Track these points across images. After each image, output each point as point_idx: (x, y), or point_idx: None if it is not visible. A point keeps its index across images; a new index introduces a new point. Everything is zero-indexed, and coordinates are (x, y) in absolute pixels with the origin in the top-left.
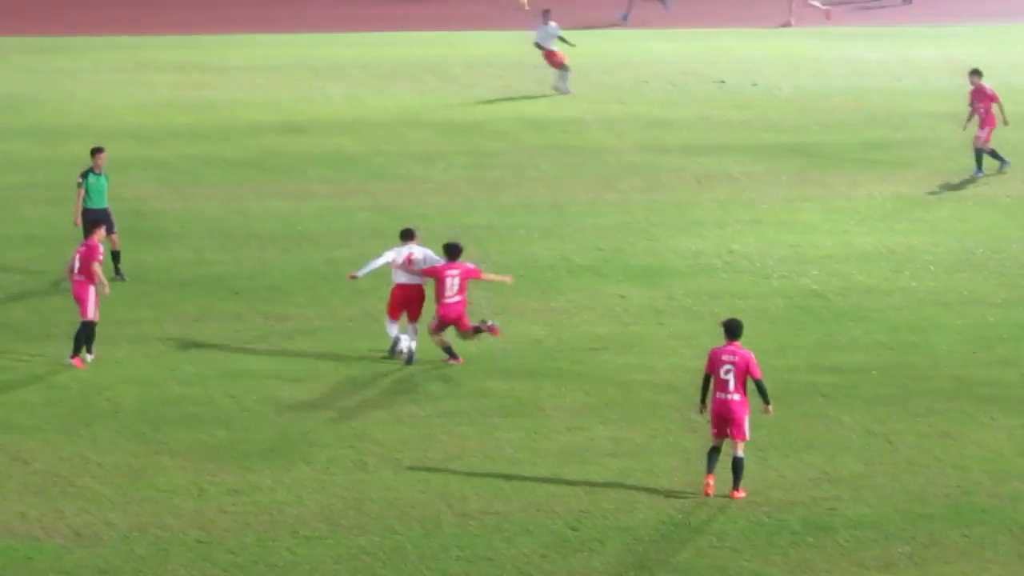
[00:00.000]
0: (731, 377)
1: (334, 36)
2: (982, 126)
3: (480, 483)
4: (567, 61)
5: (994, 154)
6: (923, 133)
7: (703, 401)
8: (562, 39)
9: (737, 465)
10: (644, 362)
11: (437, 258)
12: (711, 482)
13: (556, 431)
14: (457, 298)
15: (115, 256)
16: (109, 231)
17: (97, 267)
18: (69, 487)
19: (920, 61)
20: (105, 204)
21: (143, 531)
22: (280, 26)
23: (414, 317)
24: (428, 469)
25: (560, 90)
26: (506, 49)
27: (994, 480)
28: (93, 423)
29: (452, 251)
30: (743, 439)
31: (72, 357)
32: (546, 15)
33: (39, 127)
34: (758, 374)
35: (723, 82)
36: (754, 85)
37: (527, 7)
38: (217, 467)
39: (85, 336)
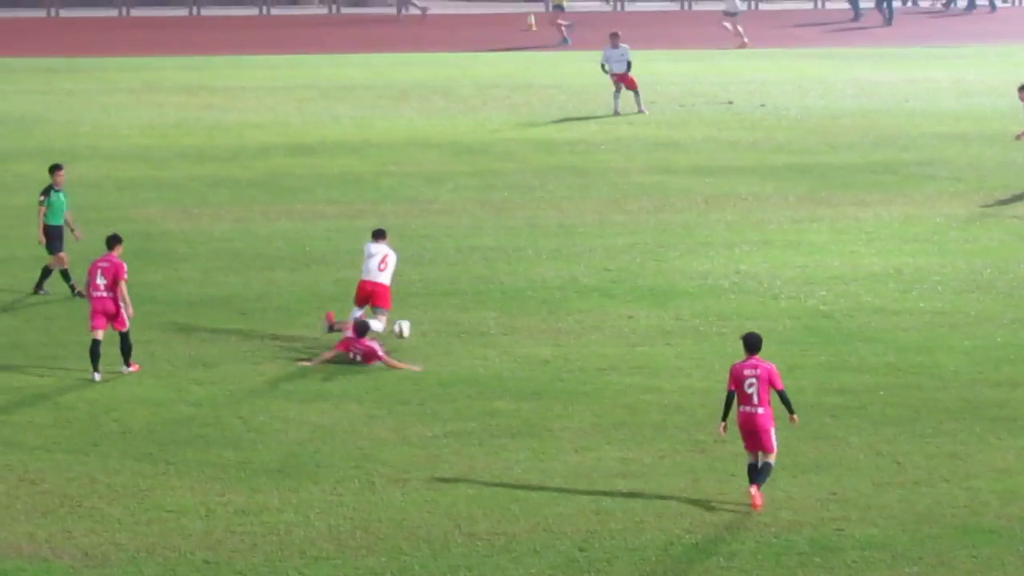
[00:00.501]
0: (754, 391)
1: (342, 57)
2: None
3: (488, 503)
4: (636, 84)
5: None
6: (931, 154)
7: (724, 418)
8: (629, 64)
9: (764, 468)
10: (652, 383)
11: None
12: (754, 492)
13: (564, 451)
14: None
15: (65, 274)
16: (61, 249)
17: (124, 285)
18: (77, 508)
19: (928, 82)
20: (61, 221)
21: (151, 552)
22: (288, 47)
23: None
24: (436, 489)
25: (639, 111)
26: (514, 70)
27: (1002, 501)
28: (101, 443)
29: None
30: (772, 451)
31: (128, 365)
32: (615, 38)
33: (48, 148)
34: (780, 385)
35: (731, 103)
36: (762, 106)
37: (535, 27)
38: (225, 487)
39: (128, 346)
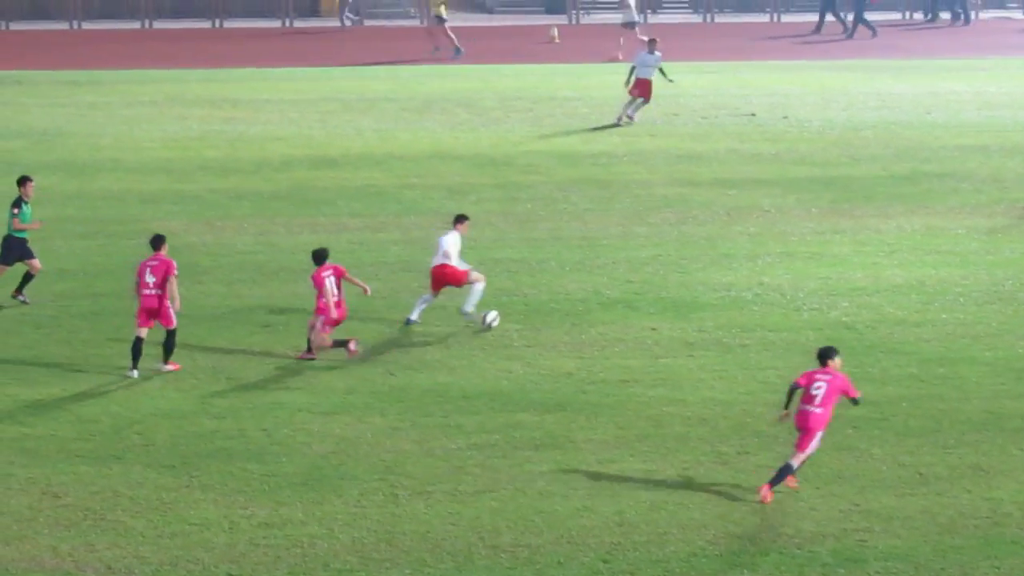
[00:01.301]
0: (821, 393)
1: (365, 70)
2: None
3: (511, 516)
4: (651, 96)
5: None
6: (952, 166)
7: (787, 407)
8: (661, 71)
9: (783, 469)
10: (675, 395)
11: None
12: (768, 494)
13: (587, 464)
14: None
15: (28, 278)
16: (31, 256)
17: (175, 281)
18: (100, 521)
19: (949, 95)
20: (26, 233)
21: (175, 565)
22: (311, 60)
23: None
24: (460, 502)
25: (628, 117)
26: (537, 82)
27: (1014, 511)
28: (124, 456)
29: (319, 256)
30: (803, 451)
31: (166, 363)
32: (652, 44)
33: (70, 161)
34: (855, 393)
35: (754, 115)
36: (784, 118)
37: (558, 40)
38: (249, 500)
39: (172, 344)
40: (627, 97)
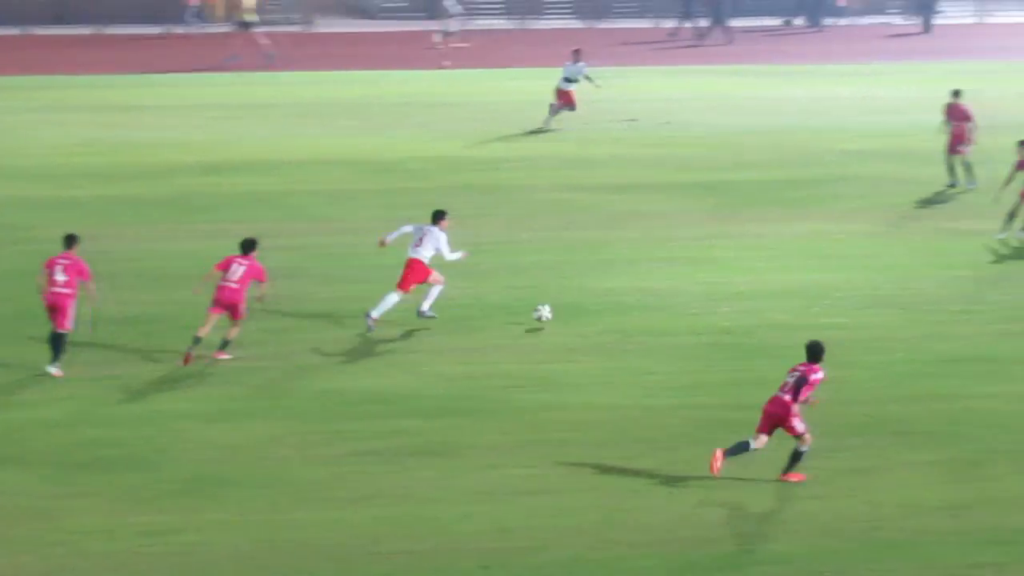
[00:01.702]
0: (792, 381)
1: (249, 75)
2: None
3: (393, 522)
4: (575, 103)
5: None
6: (835, 171)
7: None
8: (587, 78)
9: (795, 455)
10: (557, 400)
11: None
12: (718, 461)
13: (469, 470)
14: (236, 285)
15: None
16: None
17: (91, 285)
18: None
19: (831, 100)
20: None
21: (55, 574)
22: (193, 66)
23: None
24: (341, 509)
25: (546, 124)
26: (422, 89)
27: (904, 515)
28: (3, 465)
29: (247, 246)
30: (796, 433)
31: (54, 365)
32: (577, 54)
33: None
34: (813, 389)
35: (636, 120)
36: (667, 123)
37: (443, 47)
38: (129, 509)
39: (61, 347)
40: (554, 103)
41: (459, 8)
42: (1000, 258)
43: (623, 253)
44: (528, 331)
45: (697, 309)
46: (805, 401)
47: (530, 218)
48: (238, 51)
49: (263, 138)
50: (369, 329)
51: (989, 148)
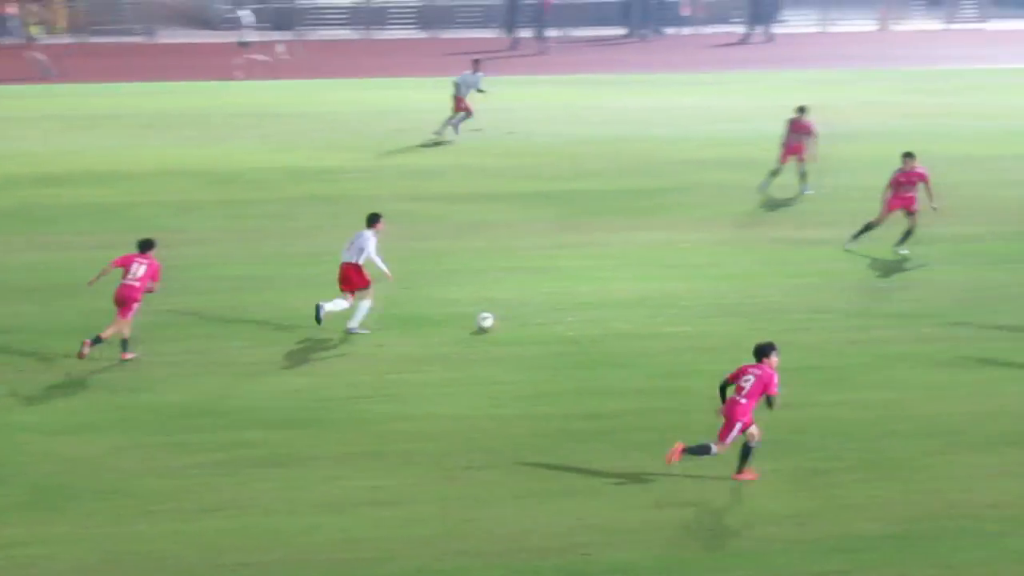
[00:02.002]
0: (748, 386)
1: (88, 87)
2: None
3: (237, 534)
4: (472, 109)
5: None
6: (677, 180)
7: (723, 401)
8: (480, 90)
9: (744, 452)
10: (401, 411)
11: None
12: (676, 454)
13: (313, 481)
14: (136, 283)
15: None
16: None
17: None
18: None
19: (673, 109)
20: None
21: None
22: (31, 76)
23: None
24: (185, 521)
25: (440, 134)
26: (265, 99)
27: (748, 523)
28: None
29: (145, 245)
30: (723, 441)
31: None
32: (476, 64)
33: None
34: (774, 391)
35: (480, 130)
36: (510, 134)
37: (285, 56)
38: None
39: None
40: (448, 112)
41: (252, 20)
42: (844, 266)
43: (468, 263)
44: (372, 343)
45: (542, 319)
46: (772, 403)
47: None
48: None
49: (105, 149)
50: (319, 321)
51: (832, 157)
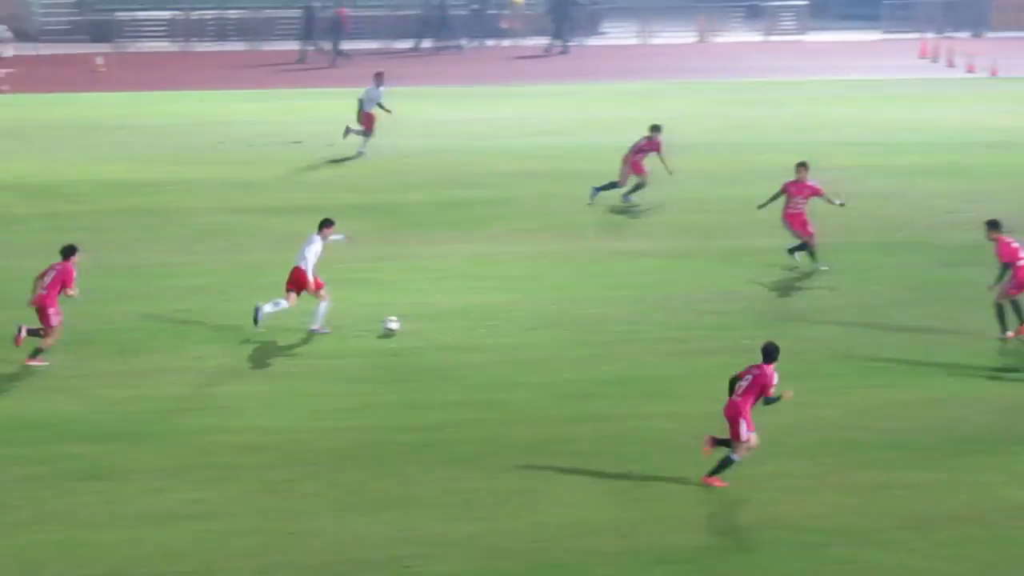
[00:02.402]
0: (745, 384)
1: None
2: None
3: (57, 548)
4: (374, 127)
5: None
6: (498, 193)
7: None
8: (380, 105)
9: (722, 462)
10: (223, 423)
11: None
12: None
13: (135, 494)
14: (45, 292)
15: None
16: None
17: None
18: None
19: (494, 121)
20: None
21: None
22: None
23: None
24: (3, 534)
25: (360, 152)
26: (83, 111)
27: (570, 535)
28: None
29: (66, 252)
30: (736, 440)
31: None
32: (378, 77)
33: None
34: (769, 392)
35: (300, 142)
36: (330, 146)
37: (103, 68)
38: None
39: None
40: (358, 127)
41: (9, 35)
42: (665, 279)
43: (288, 275)
44: (193, 355)
45: (362, 331)
46: (774, 399)
47: (195, 241)
48: None
49: None
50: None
51: (652, 169)
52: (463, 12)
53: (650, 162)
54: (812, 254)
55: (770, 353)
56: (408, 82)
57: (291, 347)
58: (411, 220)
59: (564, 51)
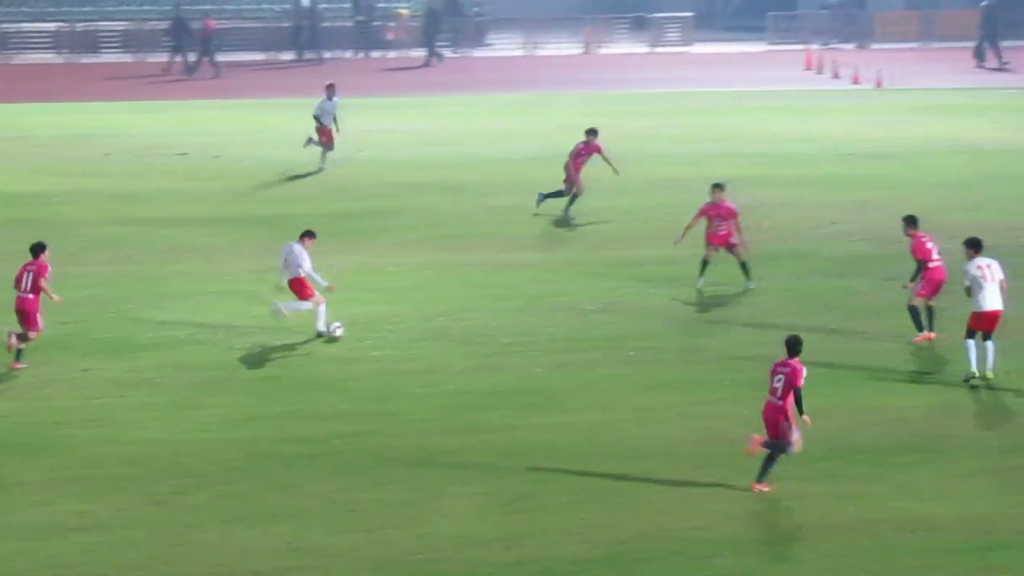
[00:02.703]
0: (780, 385)
1: None
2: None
3: None
4: (335, 141)
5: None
6: (385, 204)
7: None
8: (334, 119)
9: (766, 464)
10: (109, 436)
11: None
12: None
13: (20, 507)
14: (30, 296)
15: None
16: None
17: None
18: None
19: (381, 132)
20: None
21: None
22: None
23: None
24: None
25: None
26: None
27: (456, 546)
28: None
29: (35, 250)
30: (783, 439)
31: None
32: (330, 89)
33: None
34: (799, 383)
35: (186, 154)
36: (216, 157)
37: None
38: None
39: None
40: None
41: None
42: (551, 290)
43: (176, 287)
44: (79, 368)
45: (249, 343)
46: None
47: (81, 253)
48: None
49: None
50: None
51: (537, 181)
52: (347, 24)
53: (592, 168)
54: (745, 269)
55: (793, 346)
56: (288, 94)
57: (178, 359)
58: (299, 231)
59: (427, 64)
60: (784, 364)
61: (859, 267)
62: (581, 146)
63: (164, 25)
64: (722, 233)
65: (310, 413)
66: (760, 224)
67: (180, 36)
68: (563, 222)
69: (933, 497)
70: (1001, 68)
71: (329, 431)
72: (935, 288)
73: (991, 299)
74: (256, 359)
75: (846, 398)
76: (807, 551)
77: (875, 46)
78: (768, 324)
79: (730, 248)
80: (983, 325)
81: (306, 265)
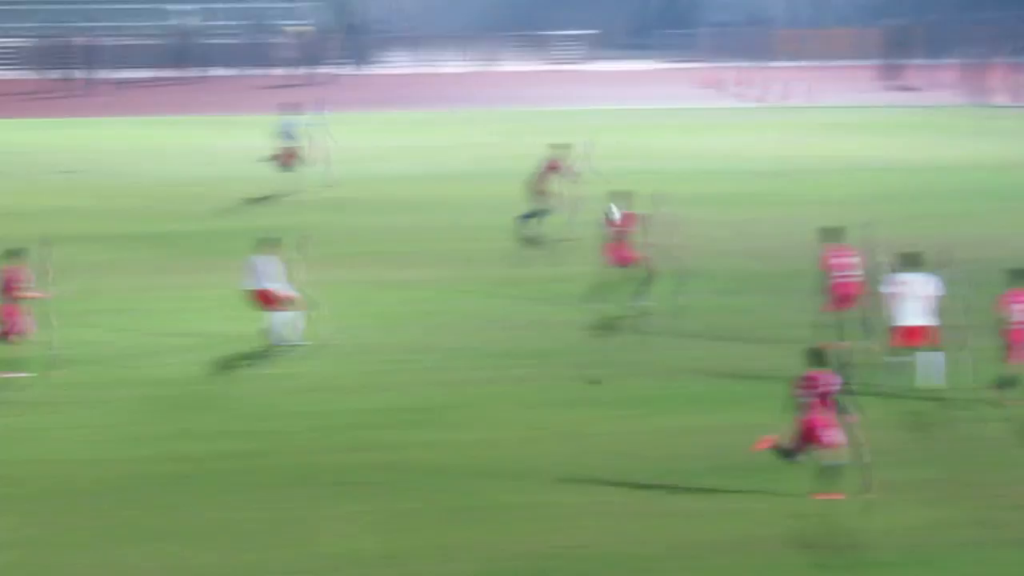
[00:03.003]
0: (806, 400)
1: None
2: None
3: None
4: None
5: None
6: (279, 222)
7: None
8: (292, 135)
9: (826, 470)
10: None
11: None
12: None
13: None
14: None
15: None
16: None
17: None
18: None
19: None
20: None
21: None
22: None
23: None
24: None
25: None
26: None
27: (343, 564)
28: None
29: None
30: (831, 447)
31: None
32: (295, 106)
33: None
34: (831, 390)
35: (72, 172)
36: (108, 177)
37: None
38: None
39: None
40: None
41: None
42: (440, 308)
43: (61, 305)
44: None
45: (137, 361)
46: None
47: None
48: None
49: None
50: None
51: (433, 198)
52: (235, 41)
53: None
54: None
55: (815, 358)
56: (165, 111)
57: (66, 378)
58: (187, 248)
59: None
60: (807, 379)
61: (748, 285)
62: (546, 163)
63: (60, 42)
64: (620, 244)
65: (194, 432)
66: (652, 241)
67: (67, 54)
68: (444, 239)
69: (818, 512)
70: (901, 87)
71: (213, 450)
72: (839, 302)
73: (911, 314)
74: (142, 378)
75: (729, 415)
76: (691, 568)
77: (775, 63)
78: (654, 342)
79: (628, 264)
80: (904, 340)
81: (272, 272)
